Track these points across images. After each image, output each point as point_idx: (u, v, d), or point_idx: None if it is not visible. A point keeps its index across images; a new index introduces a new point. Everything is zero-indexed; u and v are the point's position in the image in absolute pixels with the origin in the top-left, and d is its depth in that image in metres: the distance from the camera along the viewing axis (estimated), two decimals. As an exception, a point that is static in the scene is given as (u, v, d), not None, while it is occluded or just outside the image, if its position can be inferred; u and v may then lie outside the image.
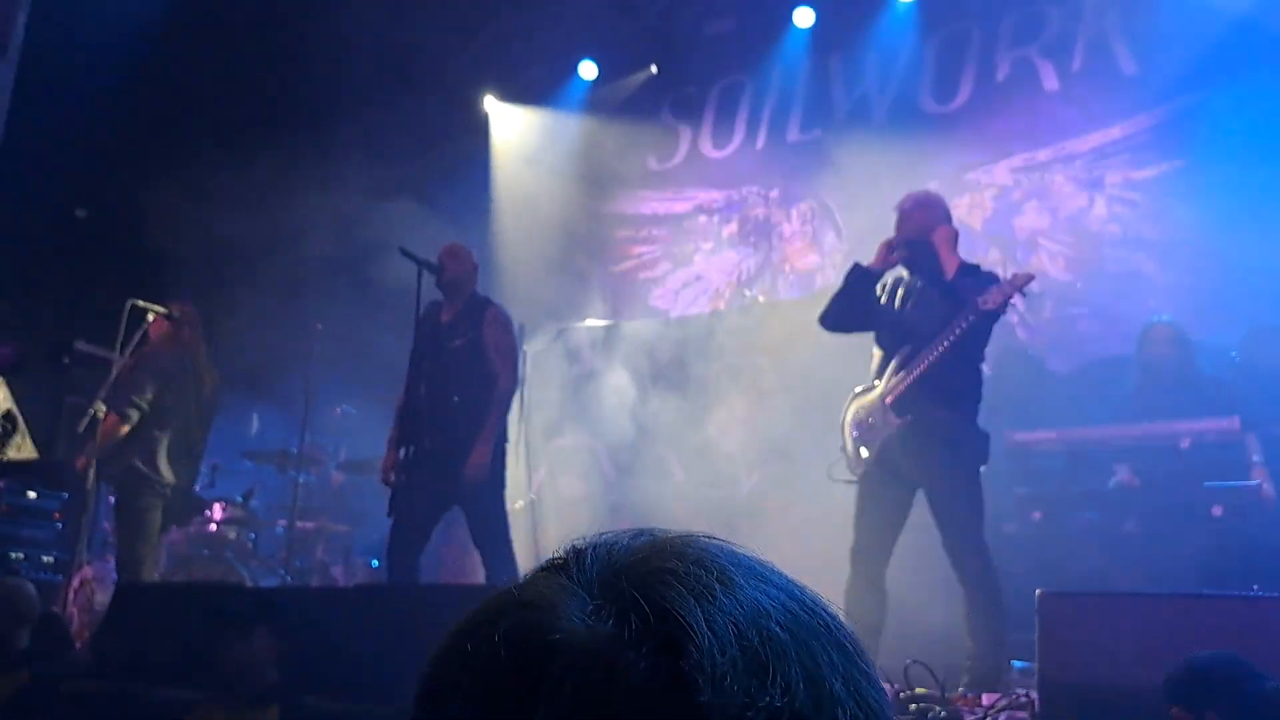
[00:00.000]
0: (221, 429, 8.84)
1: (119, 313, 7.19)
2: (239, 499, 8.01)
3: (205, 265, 8.91)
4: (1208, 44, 7.66)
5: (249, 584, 7.11)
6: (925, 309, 5.25)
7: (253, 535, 7.95)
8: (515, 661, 0.63)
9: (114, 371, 7.05)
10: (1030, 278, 5.04)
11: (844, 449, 5.44)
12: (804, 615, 0.67)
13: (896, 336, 5.28)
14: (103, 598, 7.22)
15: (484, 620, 0.67)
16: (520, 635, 0.64)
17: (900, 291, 5.40)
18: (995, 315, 5.07)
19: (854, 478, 5.36)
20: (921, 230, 5.32)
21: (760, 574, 0.69)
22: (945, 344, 5.01)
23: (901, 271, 5.50)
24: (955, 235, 5.41)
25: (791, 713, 0.61)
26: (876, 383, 5.29)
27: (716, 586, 0.65)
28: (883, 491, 5.23)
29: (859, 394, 5.43)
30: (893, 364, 5.22)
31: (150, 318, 7.15)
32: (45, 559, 7.78)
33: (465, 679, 0.65)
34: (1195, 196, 7.67)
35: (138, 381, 6.94)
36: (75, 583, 7.14)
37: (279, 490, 8.44)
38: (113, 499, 8.54)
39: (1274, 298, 6.90)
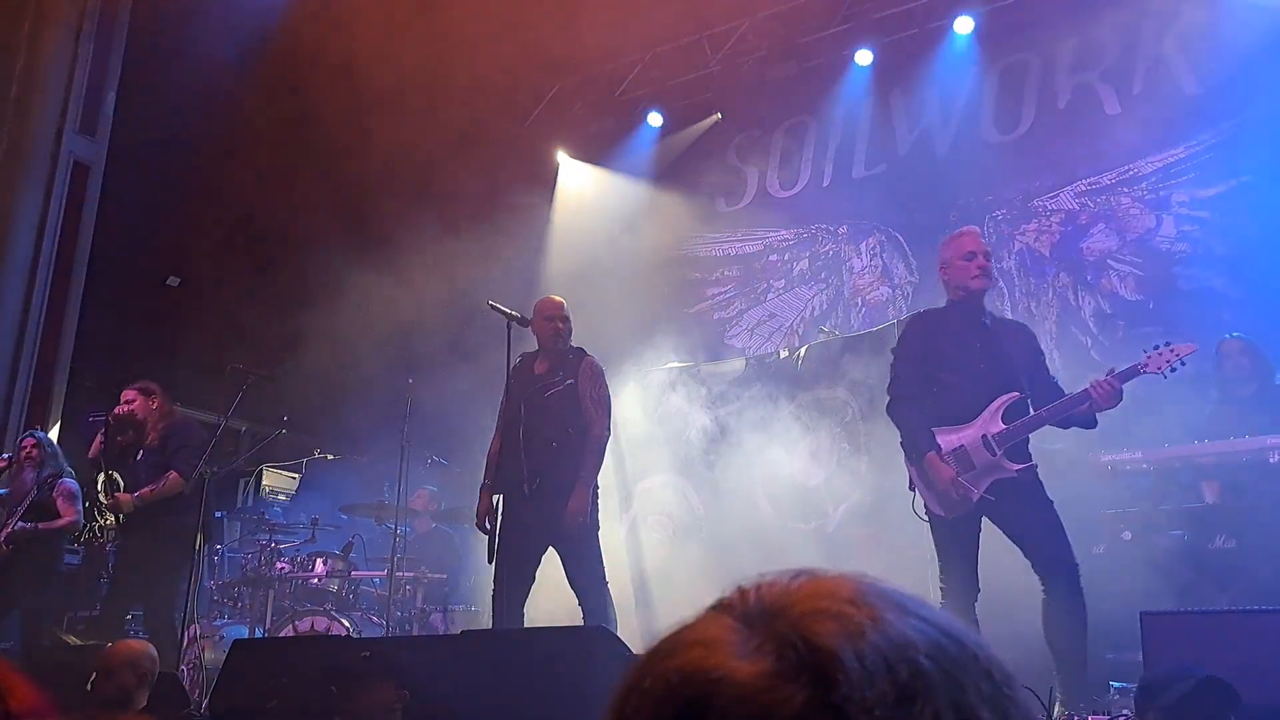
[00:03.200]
0: (319, 483, 9.08)
1: (212, 377, 7.48)
2: (338, 552, 8.20)
3: (293, 327, 9.16)
4: (1268, 59, 7.70)
5: (353, 635, 7.24)
6: (1011, 345, 5.26)
7: (354, 587, 8.11)
8: (685, 696, 0.68)
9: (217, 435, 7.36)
10: (1193, 349, 4.94)
11: (932, 488, 5.18)
12: (951, 647, 0.69)
13: (989, 374, 5.16)
14: (212, 655, 7.42)
15: (658, 658, 0.72)
16: (689, 672, 0.69)
17: (967, 327, 5.28)
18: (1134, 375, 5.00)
19: (944, 513, 5.16)
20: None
21: (909, 609, 0.72)
22: (1078, 397, 4.97)
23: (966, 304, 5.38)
24: None
25: None
26: (968, 424, 5.11)
27: (866, 623, 0.68)
28: (972, 528, 5.15)
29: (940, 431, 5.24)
30: (995, 405, 5.09)
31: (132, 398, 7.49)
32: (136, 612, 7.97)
33: (642, 714, 0.70)
34: (1263, 211, 7.69)
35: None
36: (184, 641, 7.33)
37: (377, 542, 8.62)
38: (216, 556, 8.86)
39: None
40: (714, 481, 8.55)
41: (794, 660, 0.66)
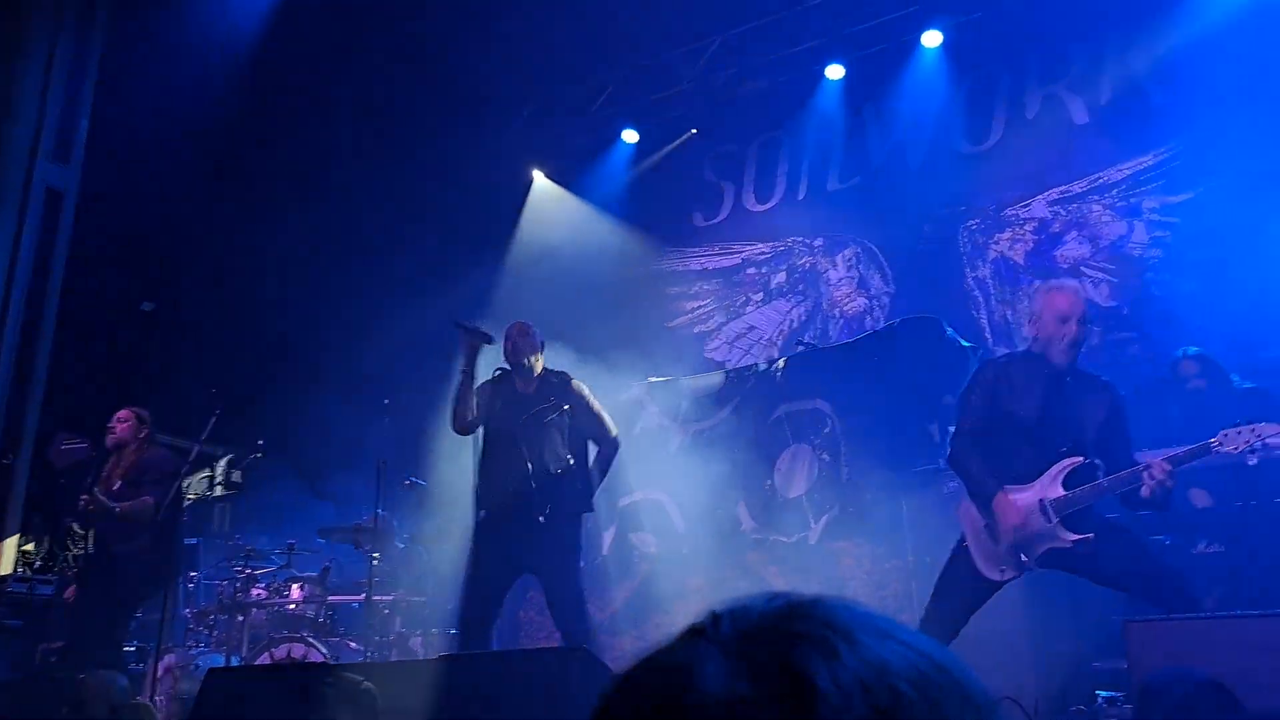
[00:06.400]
0: (296, 508, 9.01)
1: (190, 402, 7.41)
2: (315, 575, 8.11)
3: (269, 350, 9.11)
4: (1232, 67, 7.75)
5: (330, 661, 7.15)
6: (1087, 408, 4.91)
7: (331, 612, 8.02)
8: None
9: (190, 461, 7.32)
10: (1277, 430, 4.45)
11: (988, 540, 4.89)
12: (933, 674, 0.68)
13: (1053, 436, 4.85)
14: (187, 685, 7.32)
15: (630, 686, 0.72)
16: (661, 698, 0.68)
17: (1042, 382, 4.98)
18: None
19: (994, 576, 4.87)
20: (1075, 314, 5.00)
21: (888, 633, 0.70)
22: (1145, 470, 4.55)
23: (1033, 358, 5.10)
24: None
25: None
26: (1028, 486, 4.82)
27: (842, 646, 0.67)
28: (991, 588, 4.88)
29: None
30: (1057, 469, 4.78)
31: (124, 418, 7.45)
32: (127, 648, 7.88)
33: None
34: (1233, 216, 7.72)
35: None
36: (159, 671, 7.24)
37: (354, 566, 8.53)
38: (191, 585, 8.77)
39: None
40: (695, 496, 8.51)
41: (770, 685, 0.65)
